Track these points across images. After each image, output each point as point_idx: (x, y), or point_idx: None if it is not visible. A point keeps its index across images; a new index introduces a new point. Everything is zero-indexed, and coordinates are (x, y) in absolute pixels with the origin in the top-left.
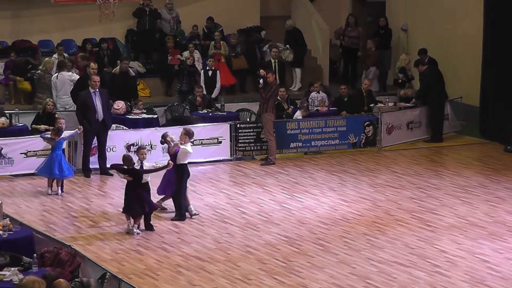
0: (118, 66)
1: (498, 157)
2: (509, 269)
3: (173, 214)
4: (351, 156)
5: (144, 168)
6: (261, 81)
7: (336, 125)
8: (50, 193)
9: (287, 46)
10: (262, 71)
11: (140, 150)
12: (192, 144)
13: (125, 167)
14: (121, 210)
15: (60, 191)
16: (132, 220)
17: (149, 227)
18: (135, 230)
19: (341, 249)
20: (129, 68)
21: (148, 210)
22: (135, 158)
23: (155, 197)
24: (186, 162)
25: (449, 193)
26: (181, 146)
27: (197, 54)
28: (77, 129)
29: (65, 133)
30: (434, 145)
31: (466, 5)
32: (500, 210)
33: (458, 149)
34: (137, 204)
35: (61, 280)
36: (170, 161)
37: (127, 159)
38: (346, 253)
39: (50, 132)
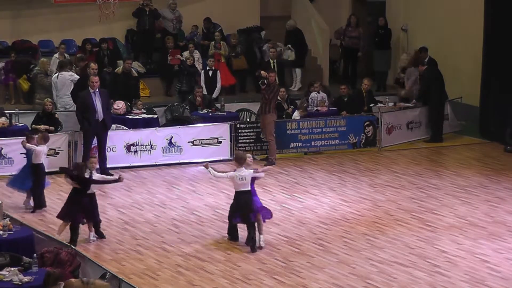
0: (121, 66)
1: (498, 157)
2: (509, 269)
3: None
4: (351, 156)
5: (94, 178)
6: (265, 81)
7: (336, 125)
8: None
9: (289, 45)
10: (263, 72)
11: (90, 159)
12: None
13: (75, 173)
14: (56, 215)
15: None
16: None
17: (101, 235)
18: (91, 238)
19: (341, 249)
20: (131, 68)
21: (86, 222)
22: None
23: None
24: None
25: (449, 193)
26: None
27: (197, 54)
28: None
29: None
30: (434, 145)
31: (466, 5)
32: (500, 210)
33: (458, 149)
34: (78, 213)
35: (72, 280)
36: (121, 175)
37: (80, 167)
38: (346, 253)
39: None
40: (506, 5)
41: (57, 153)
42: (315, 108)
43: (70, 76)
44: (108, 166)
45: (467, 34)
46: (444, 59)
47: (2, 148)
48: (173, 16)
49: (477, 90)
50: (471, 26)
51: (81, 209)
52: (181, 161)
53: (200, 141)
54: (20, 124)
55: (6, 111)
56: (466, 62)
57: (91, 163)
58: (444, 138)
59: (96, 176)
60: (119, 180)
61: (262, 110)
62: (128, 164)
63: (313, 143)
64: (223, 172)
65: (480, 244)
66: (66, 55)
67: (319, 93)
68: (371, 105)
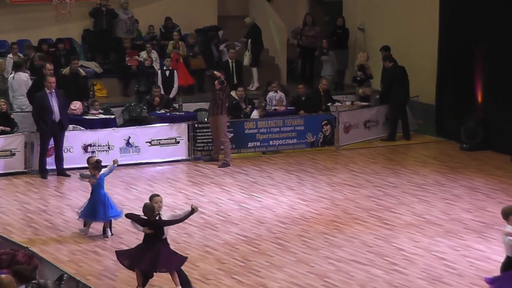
0: (68, 67)
1: (454, 155)
2: (465, 266)
3: None
4: (309, 155)
5: (164, 218)
6: (219, 81)
7: (294, 124)
8: (87, 233)
9: (248, 50)
10: (217, 73)
11: (154, 198)
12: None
13: (145, 217)
14: (140, 270)
15: (109, 233)
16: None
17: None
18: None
19: (300, 248)
20: (79, 68)
21: (179, 263)
22: None
23: None
24: None
25: (406, 191)
26: None
27: (154, 55)
28: (113, 162)
29: (104, 169)
30: (391, 144)
31: (422, 4)
32: (457, 208)
33: (415, 148)
34: (168, 259)
35: (2, 276)
36: (194, 205)
37: (149, 208)
38: (305, 252)
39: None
40: (461, 3)
41: (13, 154)
42: (273, 108)
43: (25, 77)
44: (65, 167)
45: (423, 33)
46: (401, 58)
47: None
48: (126, 17)
49: (433, 88)
50: (427, 25)
51: (166, 254)
52: (139, 161)
53: (158, 141)
54: None
55: None
56: (423, 61)
57: (157, 203)
58: (399, 137)
59: (166, 215)
60: (193, 212)
61: (214, 111)
62: (85, 165)
63: (271, 143)
64: None
65: (437, 242)
66: (20, 54)
67: (277, 92)
68: (329, 104)
